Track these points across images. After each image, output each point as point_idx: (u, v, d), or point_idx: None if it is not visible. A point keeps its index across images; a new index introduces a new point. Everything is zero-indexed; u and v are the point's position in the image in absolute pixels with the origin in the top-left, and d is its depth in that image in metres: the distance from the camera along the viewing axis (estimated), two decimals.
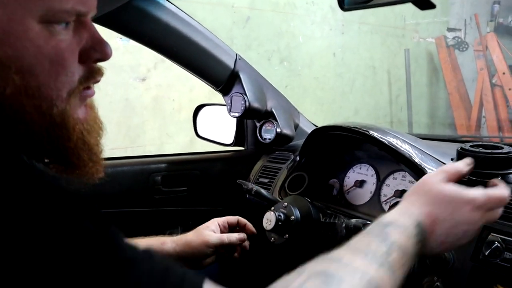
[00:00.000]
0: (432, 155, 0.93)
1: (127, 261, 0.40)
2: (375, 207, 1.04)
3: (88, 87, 0.51)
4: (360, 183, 1.10)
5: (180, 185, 1.27)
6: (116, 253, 0.40)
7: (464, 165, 0.66)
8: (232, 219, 0.92)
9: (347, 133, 1.04)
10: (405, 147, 0.93)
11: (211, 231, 0.88)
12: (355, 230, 0.80)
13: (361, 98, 3.99)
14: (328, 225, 0.88)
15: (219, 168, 1.35)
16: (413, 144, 0.95)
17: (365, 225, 0.79)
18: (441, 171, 0.64)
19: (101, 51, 0.49)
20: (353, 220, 0.82)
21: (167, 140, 2.62)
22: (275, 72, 3.14)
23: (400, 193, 1.01)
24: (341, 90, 3.84)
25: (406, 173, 1.02)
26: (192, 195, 1.29)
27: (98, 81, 0.52)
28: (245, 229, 0.96)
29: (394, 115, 4.32)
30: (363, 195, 1.09)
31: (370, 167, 1.11)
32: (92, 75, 0.50)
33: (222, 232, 0.90)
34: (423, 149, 0.94)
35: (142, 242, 0.86)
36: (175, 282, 0.41)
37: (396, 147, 0.93)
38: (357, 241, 0.54)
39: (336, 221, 0.88)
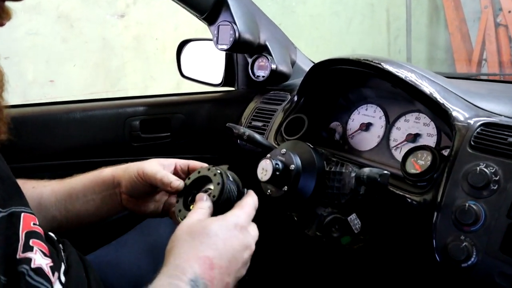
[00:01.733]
0: (456, 92, 0.78)
1: None
2: (383, 154, 0.92)
3: None
4: (366, 126, 0.98)
5: (162, 131, 1.14)
6: None
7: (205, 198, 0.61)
8: (195, 164, 0.74)
9: (354, 67, 0.89)
10: (424, 83, 0.79)
11: (159, 164, 0.72)
12: (369, 182, 0.67)
13: (358, 39, 3.78)
14: (334, 175, 0.75)
15: (207, 111, 1.21)
16: (433, 79, 0.81)
17: (381, 176, 0.65)
18: (197, 208, 0.59)
19: None
20: (366, 170, 0.68)
21: (151, 83, 2.43)
22: (267, 9, 2.86)
23: (413, 137, 0.88)
24: (338, 29, 3.61)
25: (420, 114, 0.89)
26: (176, 141, 1.17)
27: (2, 25, 0.47)
28: None
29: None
30: (370, 140, 0.96)
31: (378, 107, 0.98)
32: None
33: (176, 175, 0.72)
34: (445, 86, 0.79)
35: (79, 178, 0.75)
36: None
37: (414, 82, 0.78)
38: None
39: (344, 170, 0.75)
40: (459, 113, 0.74)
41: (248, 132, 0.87)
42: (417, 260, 0.76)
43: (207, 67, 1.35)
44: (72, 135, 1.02)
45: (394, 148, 0.91)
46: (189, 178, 0.68)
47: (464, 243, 0.62)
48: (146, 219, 0.94)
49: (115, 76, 2.29)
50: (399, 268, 0.89)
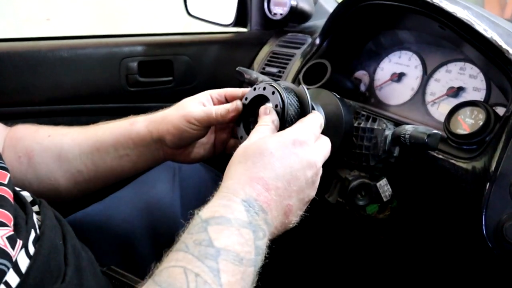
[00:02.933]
0: None
1: None
2: (417, 109, 0.79)
3: None
4: (399, 77, 0.84)
5: (164, 74, 1.02)
6: None
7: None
8: (232, 91, 0.66)
9: (393, 2, 0.73)
10: (483, 24, 0.64)
11: (199, 103, 0.64)
12: (413, 143, 0.54)
13: None
14: (364, 132, 0.62)
15: (215, 53, 1.09)
16: (495, 20, 0.66)
17: (430, 136, 0.53)
18: (259, 125, 0.53)
19: None
20: (409, 128, 0.55)
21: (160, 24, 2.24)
22: None
23: (455, 91, 0.75)
24: None
25: (466, 64, 0.75)
26: (179, 87, 1.05)
27: None
28: None
29: None
30: (401, 93, 0.83)
31: (414, 55, 0.84)
32: None
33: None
34: (509, 29, 0.65)
35: (106, 129, 0.66)
36: None
37: (472, 22, 0.63)
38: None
39: (376, 127, 0.62)
40: None
41: (262, 77, 0.76)
42: (458, 239, 0.65)
43: (217, 5, 1.21)
44: (58, 77, 0.90)
45: (431, 103, 0.78)
46: (246, 99, 0.61)
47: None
48: (144, 174, 0.85)
49: (119, 17, 2.12)
50: (433, 248, 0.78)
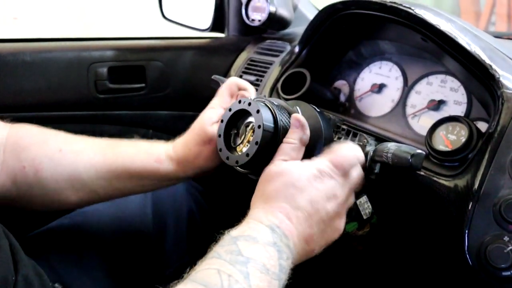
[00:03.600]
0: (506, 53, 0.63)
1: None
2: (397, 122, 0.78)
3: None
4: (379, 88, 0.83)
5: (135, 81, 0.98)
6: None
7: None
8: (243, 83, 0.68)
9: (375, 12, 0.71)
10: (466, 38, 0.62)
11: (216, 114, 0.64)
12: (395, 162, 0.52)
13: None
14: None
15: (190, 60, 1.06)
16: (477, 34, 0.64)
17: (415, 156, 0.50)
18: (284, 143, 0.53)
19: None
20: (392, 146, 0.52)
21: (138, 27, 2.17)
22: None
23: (436, 105, 0.73)
24: None
25: (447, 76, 0.74)
26: (152, 94, 1.01)
27: None
28: None
29: None
30: (382, 104, 0.82)
31: (395, 66, 0.83)
32: None
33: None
34: (492, 43, 0.64)
35: (127, 157, 0.64)
36: None
37: (454, 36, 0.62)
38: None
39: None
40: (508, 80, 0.58)
41: None
42: (439, 259, 0.63)
43: (193, 9, 1.17)
44: (21, 83, 0.84)
45: (412, 116, 0.77)
46: (229, 110, 0.58)
47: (510, 247, 0.49)
48: None
49: (92, 17, 2.05)
50: (413, 265, 0.76)
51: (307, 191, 0.50)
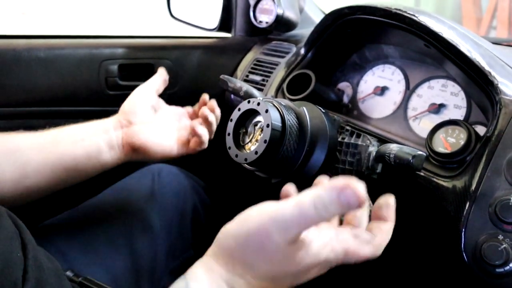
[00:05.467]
0: (504, 60, 0.65)
1: None
2: (398, 124, 0.80)
3: None
4: (381, 90, 0.85)
5: (144, 78, 0.96)
6: None
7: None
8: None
9: (380, 18, 0.73)
10: (467, 45, 0.64)
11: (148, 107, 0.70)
12: (397, 163, 0.54)
13: None
14: (348, 148, 0.62)
15: (197, 59, 1.06)
16: (478, 41, 0.66)
17: (416, 157, 0.53)
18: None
19: None
20: (394, 147, 0.55)
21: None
22: None
23: (437, 108, 0.75)
24: None
25: (448, 81, 0.76)
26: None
27: None
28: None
29: None
30: (384, 107, 0.84)
31: (398, 69, 0.84)
32: None
33: None
34: (491, 51, 0.66)
35: (65, 153, 0.63)
36: None
37: (456, 43, 0.64)
38: None
39: (360, 143, 0.62)
40: (506, 86, 0.60)
41: (246, 87, 0.74)
42: (437, 256, 0.65)
43: (201, 8, 1.19)
44: (34, 78, 0.85)
45: (413, 118, 0.79)
46: (239, 109, 0.60)
47: (504, 245, 0.51)
48: (122, 180, 0.83)
49: (96, 13, 2.06)
50: (413, 263, 0.79)
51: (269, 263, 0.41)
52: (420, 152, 0.54)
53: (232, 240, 0.39)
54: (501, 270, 0.52)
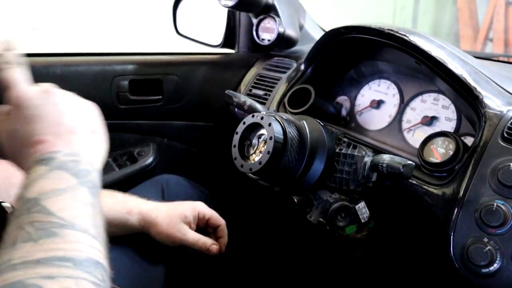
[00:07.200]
0: (488, 75, 0.70)
1: None
2: (394, 135, 0.84)
3: None
4: (377, 104, 0.89)
5: (153, 93, 1.04)
6: None
7: None
8: (216, 219, 0.79)
9: (374, 37, 0.78)
10: (454, 63, 0.70)
11: (187, 223, 0.76)
12: (389, 172, 0.59)
13: (364, 6, 3.61)
14: (345, 158, 0.66)
15: (203, 74, 1.10)
16: (464, 59, 0.71)
17: (405, 167, 0.57)
18: None
19: None
20: (386, 157, 0.60)
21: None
22: None
23: (429, 120, 0.80)
24: None
25: (440, 95, 0.80)
26: (168, 106, 1.07)
27: None
28: (217, 232, 0.80)
29: None
30: (380, 119, 0.88)
31: (392, 84, 0.89)
32: None
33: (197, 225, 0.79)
34: (476, 67, 0.71)
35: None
36: None
37: (444, 61, 0.69)
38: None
39: (356, 153, 0.66)
40: (491, 100, 0.65)
41: (250, 101, 0.79)
42: (428, 259, 0.69)
43: (206, 25, 1.23)
44: None
45: (407, 130, 0.83)
46: (244, 123, 0.65)
47: (488, 247, 0.56)
48: (132, 189, 0.87)
49: (103, 27, 2.13)
50: (406, 266, 0.83)
51: None
52: (409, 162, 0.59)
53: None
54: (487, 270, 0.56)
